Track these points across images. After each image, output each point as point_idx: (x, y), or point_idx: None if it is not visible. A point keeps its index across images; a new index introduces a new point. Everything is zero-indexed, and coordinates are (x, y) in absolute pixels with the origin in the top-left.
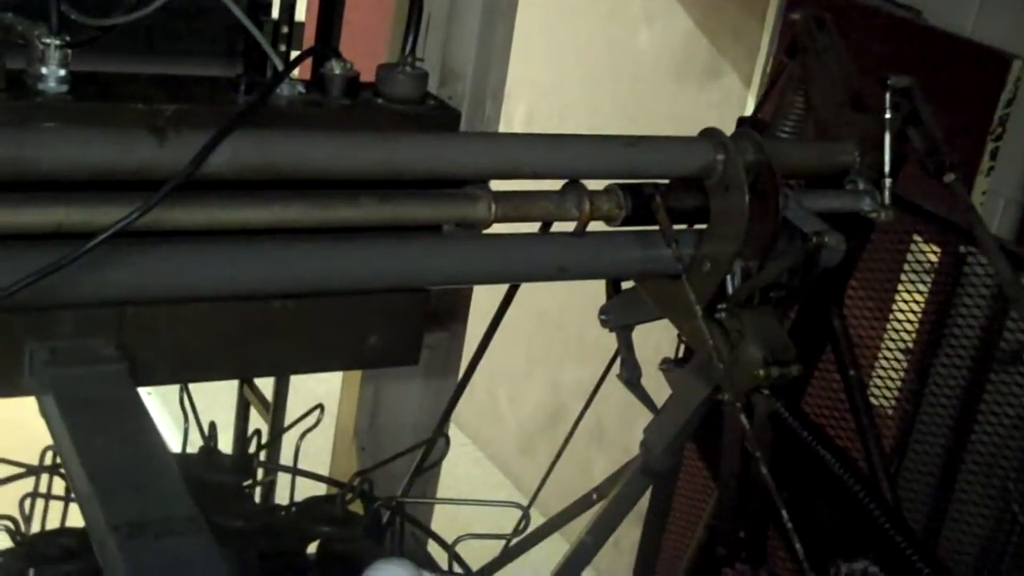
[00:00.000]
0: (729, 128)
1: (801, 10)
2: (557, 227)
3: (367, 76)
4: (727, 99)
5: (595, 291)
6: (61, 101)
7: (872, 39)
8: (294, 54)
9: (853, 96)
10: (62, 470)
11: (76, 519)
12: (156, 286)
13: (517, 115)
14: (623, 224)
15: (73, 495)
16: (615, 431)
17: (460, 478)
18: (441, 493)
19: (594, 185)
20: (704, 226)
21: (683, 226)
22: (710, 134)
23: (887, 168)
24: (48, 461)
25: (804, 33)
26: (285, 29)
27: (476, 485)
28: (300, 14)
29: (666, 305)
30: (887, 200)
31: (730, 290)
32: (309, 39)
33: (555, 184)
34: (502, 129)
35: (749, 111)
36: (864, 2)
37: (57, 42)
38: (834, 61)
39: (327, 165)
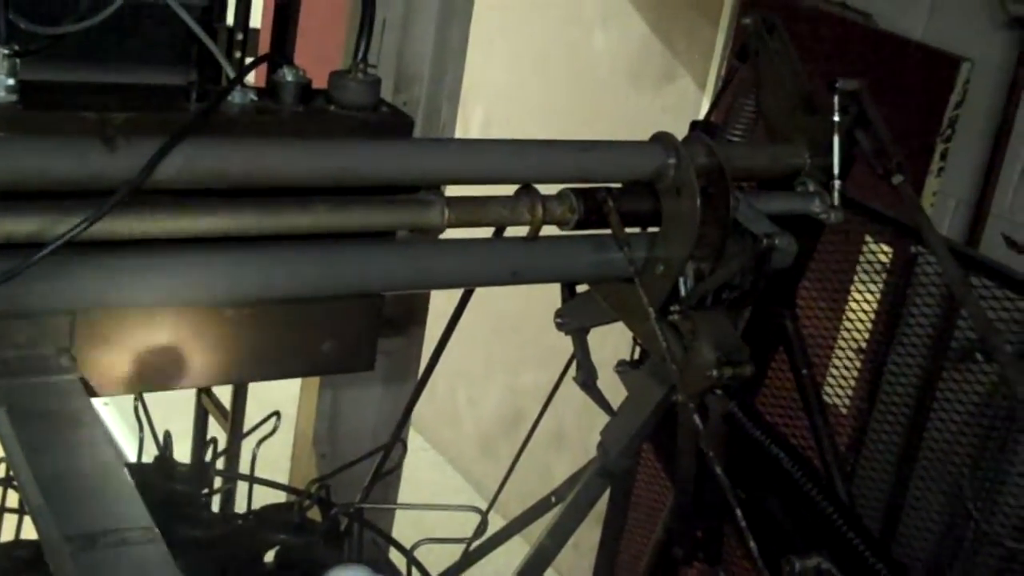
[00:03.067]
0: (684, 131)
1: (752, 14)
2: (510, 231)
3: (324, 81)
4: (682, 102)
5: (553, 294)
6: (10, 110)
7: (823, 42)
8: (248, 61)
9: (803, 99)
10: (15, 482)
11: (30, 531)
12: (108, 295)
13: (474, 118)
14: (576, 228)
15: (27, 507)
16: (574, 434)
17: (421, 482)
18: (402, 498)
19: (547, 190)
20: (657, 229)
21: (636, 229)
22: (662, 138)
23: (836, 170)
24: (1, 474)
25: (755, 37)
26: (240, 36)
27: (437, 489)
28: (255, 20)
29: (620, 308)
30: (836, 201)
31: (683, 292)
32: (264, 46)
33: (508, 189)
34: (459, 133)
35: (704, 114)
36: (815, 5)
37: (5, 51)
38: (784, 65)
39: (279, 172)
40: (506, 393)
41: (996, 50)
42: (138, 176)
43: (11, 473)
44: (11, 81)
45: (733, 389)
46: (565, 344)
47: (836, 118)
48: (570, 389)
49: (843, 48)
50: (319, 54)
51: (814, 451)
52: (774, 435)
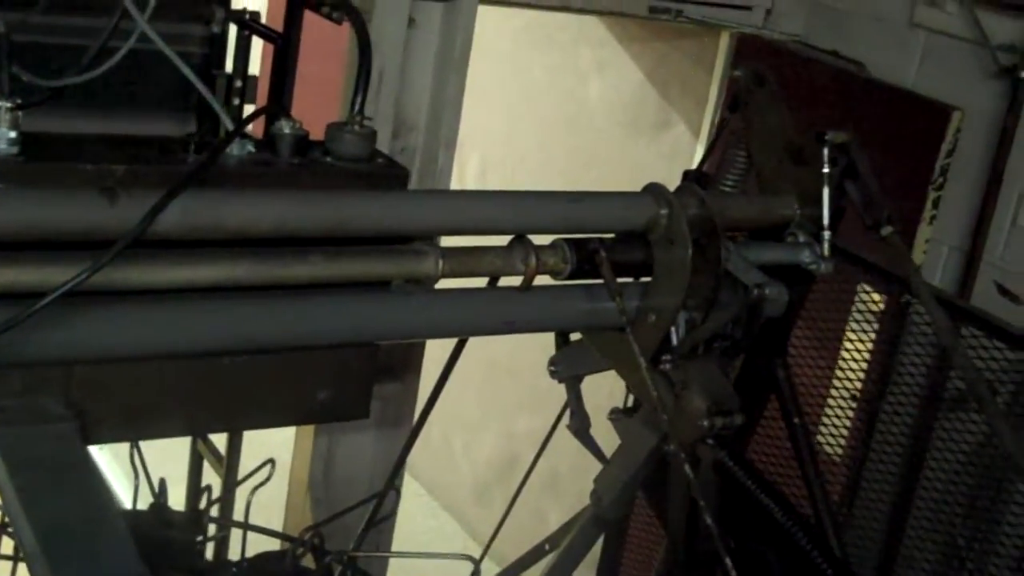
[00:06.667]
0: (678, 178)
1: (742, 66)
2: (504, 281)
3: (325, 117)
4: (677, 149)
5: (547, 338)
6: (12, 163)
7: (817, 91)
8: (247, 107)
9: (793, 150)
10: (10, 529)
11: None
12: (106, 345)
13: (471, 165)
14: (569, 278)
15: (23, 554)
16: (569, 480)
17: (416, 528)
18: (397, 543)
19: (540, 240)
20: (649, 279)
21: (628, 279)
22: (654, 189)
23: (826, 221)
24: None
25: (745, 89)
26: (239, 83)
27: (432, 536)
28: (254, 67)
29: (612, 357)
30: (826, 252)
31: (675, 341)
32: (264, 90)
33: (502, 239)
34: (456, 179)
35: (698, 161)
36: (809, 55)
37: (8, 104)
38: (774, 117)
39: (276, 224)
40: (501, 438)
41: (987, 99)
42: (136, 228)
43: (7, 519)
44: (13, 134)
45: (724, 438)
46: (560, 388)
47: (825, 170)
48: (565, 434)
49: (835, 96)
50: (316, 99)
51: (808, 500)
52: (763, 484)
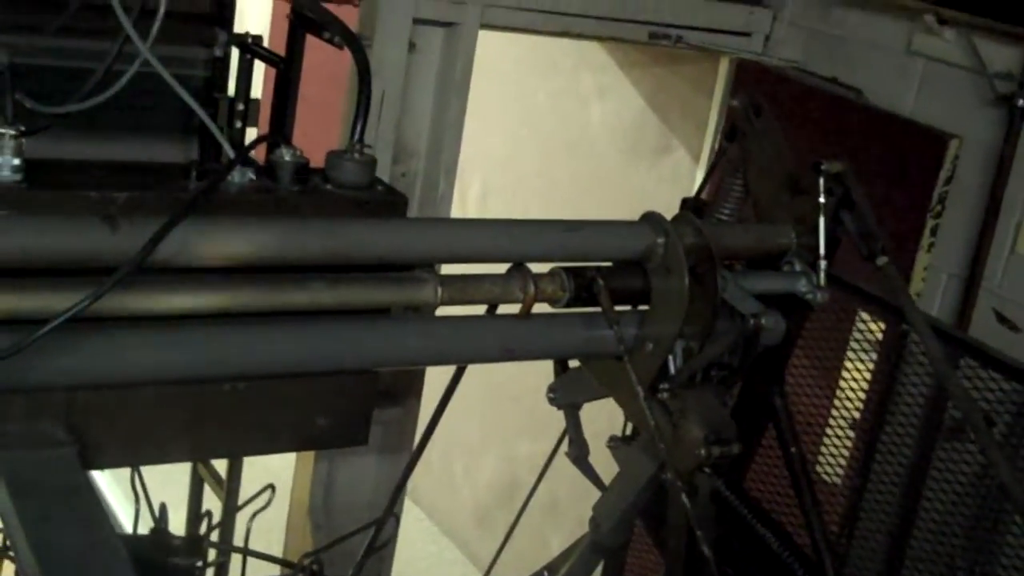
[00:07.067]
0: (679, 203)
1: (740, 96)
2: (502, 309)
3: (325, 139)
4: (677, 173)
5: (548, 364)
6: (15, 190)
7: (815, 117)
8: (249, 131)
9: (789, 180)
10: (11, 553)
11: None
12: (107, 371)
13: (472, 189)
14: (567, 306)
15: None
16: (569, 505)
17: (416, 554)
18: (397, 569)
19: (538, 268)
20: (646, 307)
21: (626, 307)
22: (651, 218)
23: (822, 250)
24: None
25: (742, 119)
26: (241, 106)
27: (432, 562)
28: (256, 90)
29: (610, 384)
30: (823, 281)
31: (672, 370)
32: (266, 114)
33: (500, 267)
34: (456, 202)
35: (696, 188)
36: (808, 81)
37: (12, 132)
38: (771, 146)
39: (277, 252)
40: (502, 463)
41: (984, 127)
42: (138, 255)
43: (7, 543)
44: (17, 161)
45: (721, 467)
46: (561, 413)
47: (821, 200)
48: (564, 460)
49: (834, 122)
50: (317, 123)
51: (805, 529)
52: (761, 514)
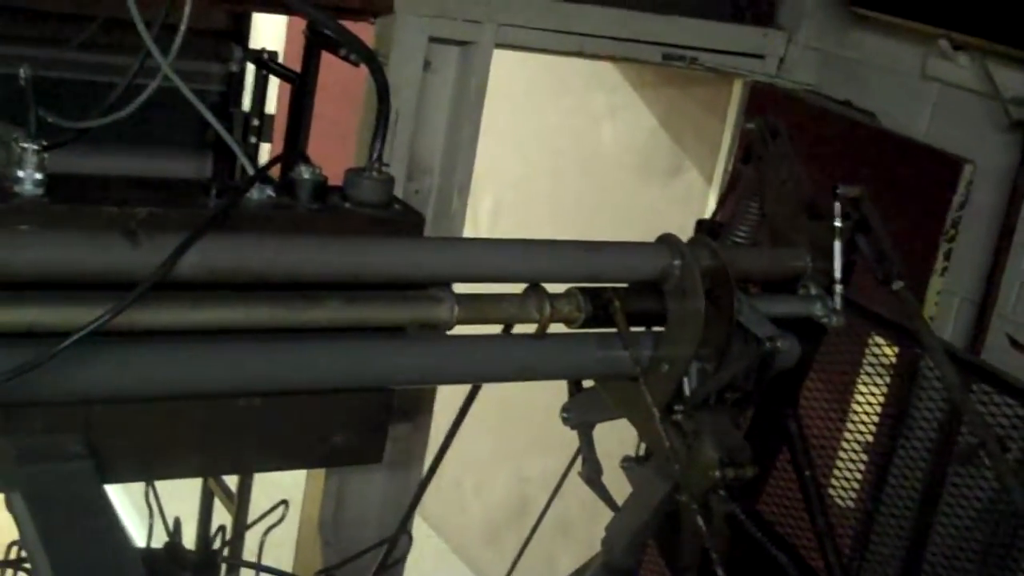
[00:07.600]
0: (691, 225)
1: (756, 119)
2: (518, 328)
3: (337, 155)
4: (689, 195)
5: (561, 383)
6: (37, 204)
7: (829, 140)
8: (264, 146)
9: (805, 203)
10: (27, 564)
11: None
12: (126, 386)
13: (484, 206)
14: (583, 326)
15: None
16: (580, 525)
17: (425, 571)
18: None
19: (554, 288)
20: (661, 329)
21: (641, 328)
22: (667, 240)
23: (838, 274)
24: (14, 555)
25: (758, 142)
26: (256, 121)
27: None
28: (271, 106)
29: (625, 405)
30: (838, 305)
31: (687, 392)
32: (280, 128)
33: (517, 287)
34: (469, 220)
35: (711, 207)
36: (821, 104)
37: (34, 147)
38: (787, 169)
39: (295, 269)
40: (513, 481)
41: (998, 152)
42: (158, 271)
43: (23, 554)
44: (39, 175)
45: (735, 490)
46: (572, 432)
47: (837, 223)
48: (577, 478)
49: (847, 146)
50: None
51: (819, 552)
52: (775, 537)
